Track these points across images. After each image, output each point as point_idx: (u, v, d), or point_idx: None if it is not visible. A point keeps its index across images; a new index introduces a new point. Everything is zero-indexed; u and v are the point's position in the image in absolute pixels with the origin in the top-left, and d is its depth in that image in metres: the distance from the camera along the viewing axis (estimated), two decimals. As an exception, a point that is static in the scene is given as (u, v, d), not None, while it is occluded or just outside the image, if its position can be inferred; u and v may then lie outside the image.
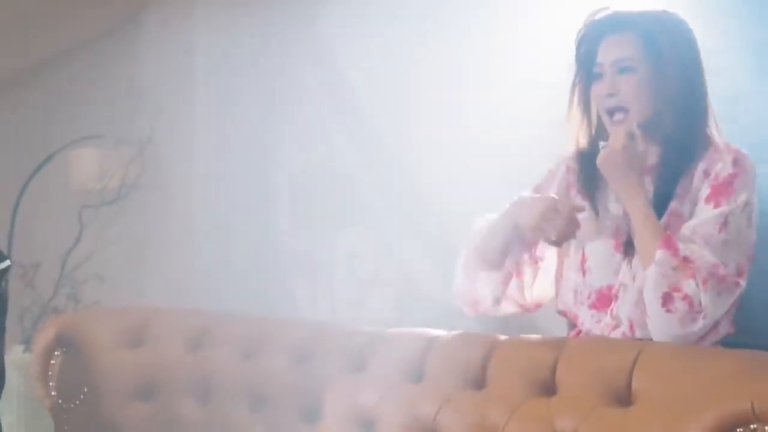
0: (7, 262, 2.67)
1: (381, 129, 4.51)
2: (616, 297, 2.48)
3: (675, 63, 2.43)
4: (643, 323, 2.41)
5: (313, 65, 4.64)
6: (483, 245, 2.59)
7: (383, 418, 2.52)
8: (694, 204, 2.41)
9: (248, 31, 4.67)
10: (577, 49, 2.56)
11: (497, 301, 2.59)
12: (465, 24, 4.29)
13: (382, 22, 4.49)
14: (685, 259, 2.31)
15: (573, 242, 2.54)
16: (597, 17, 2.52)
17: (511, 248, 2.56)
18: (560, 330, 2.88)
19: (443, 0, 4.32)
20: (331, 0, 4.59)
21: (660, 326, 2.31)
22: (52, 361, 2.95)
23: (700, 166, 2.45)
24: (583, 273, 2.54)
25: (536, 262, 2.63)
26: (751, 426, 1.94)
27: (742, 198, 2.39)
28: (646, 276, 2.34)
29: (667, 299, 2.30)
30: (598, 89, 2.49)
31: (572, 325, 2.63)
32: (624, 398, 2.19)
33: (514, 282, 2.61)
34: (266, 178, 4.55)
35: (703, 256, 2.31)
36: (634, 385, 2.18)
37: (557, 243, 2.48)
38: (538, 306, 2.67)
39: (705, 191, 2.41)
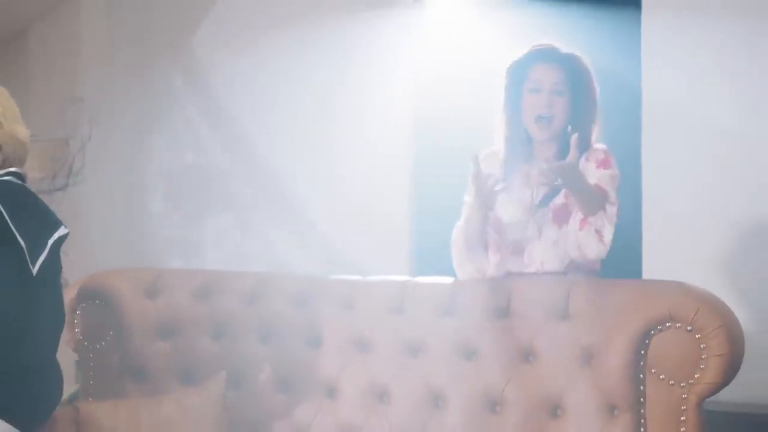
0: (66, 230, 3.27)
1: (246, 131, 5.34)
2: (527, 245, 3.47)
3: (585, 94, 3.47)
4: (551, 261, 3.42)
5: (186, 78, 5.38)
6: (466, 238, 3.43)
7: (376, 342, 3.37)
8: None
9: (129, 48, 5.31)
10: (510, 71, 3.50)
11: (500, 265, 3.45)
12: (321, 43, 5.17)
13: (247, 42, 5.29)
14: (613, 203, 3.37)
15: (495, 210, 3.51)
16: (534, 48, 3.48)
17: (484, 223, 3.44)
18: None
19: (300, 23, 5.19)
20: (203, 24, 5.34)
21: (594, 250, 3.32)
22: (77, 311, 3.56)
23: (583, 157, 3.46)
24: (501, 232, 3.52)
25: None
26: (667, 324, 2.97)
27: (616, 170, 3.46)
28: (602, 214, 3.31)
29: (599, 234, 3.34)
30: (537, 100, 3.44)
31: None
32: (564, 316, 3.17)
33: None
34: (143, 174, 5.24)
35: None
36: (570, 307, 3.16)
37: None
38: None
39: (593, 165, 3.42)
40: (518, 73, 3.50)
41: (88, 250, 4.39)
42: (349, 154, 5.11)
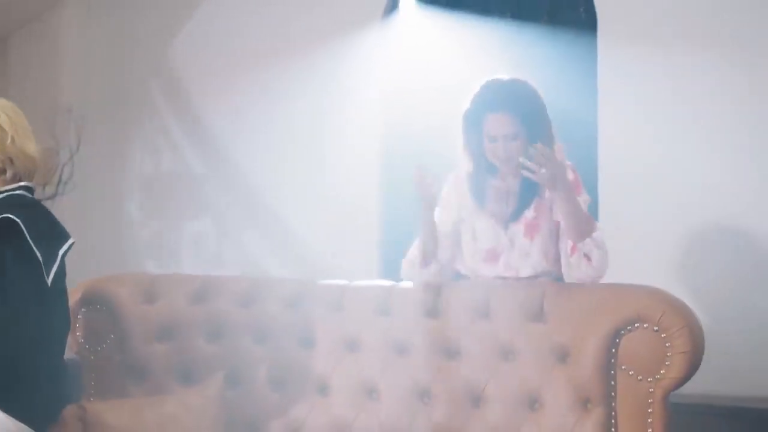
0: (72, 240, 3.45)
1: (222, 138, 5.53)
2: (502, 253, 3.71)
3: (538, 118, 3.65)
4: (524, 268, 3.66)
5: (162, 88, 5.55)
6: (422, 249, 3.66)
7: (365, 342, 3.60)
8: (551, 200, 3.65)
9: (107, 58, 5.46)
10: (467, 118, 3.68)
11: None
12: (297, 56, 5.38)
13: (225, 52, 5.48)
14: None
15: (468, 223, 3.76)
16: (479, 96, 3.63)
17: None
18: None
19: (278, 35, 5.40)
20: (182, 34, 5.52)
21: (583, 273, 3.54)
22: (79, 316, 3.73)
23: None
24: (475, 241, 3.77)
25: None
26: (635, 324, 3.23)
27: (587, 195, 3.71)
28: (590, 241, 3.52)
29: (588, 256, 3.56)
30: (494, 147, 3.63)
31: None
32: (540, 318, 3.42)
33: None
34: (127, 182, 5.41)
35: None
36: (545, 309, 3.41)
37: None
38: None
39: None
40: (474, 120, 3.67)
41: (78, 257, 4.56)
42: (323, 161, 5.34)
